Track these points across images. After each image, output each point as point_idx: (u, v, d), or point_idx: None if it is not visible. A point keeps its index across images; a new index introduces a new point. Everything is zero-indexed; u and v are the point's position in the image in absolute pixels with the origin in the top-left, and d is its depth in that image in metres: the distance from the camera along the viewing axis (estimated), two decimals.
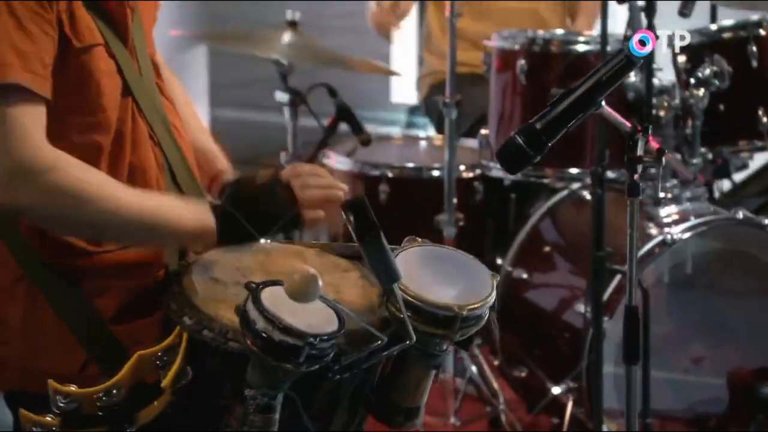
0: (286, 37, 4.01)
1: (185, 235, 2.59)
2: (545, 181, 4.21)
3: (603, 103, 2.44)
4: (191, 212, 2.57)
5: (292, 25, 3.95)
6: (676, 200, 3.91)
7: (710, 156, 4.05)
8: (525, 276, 4.05)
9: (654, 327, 3.92)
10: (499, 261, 4.11)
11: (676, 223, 3.83)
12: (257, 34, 4.35)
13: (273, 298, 2.19)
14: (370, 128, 4.72)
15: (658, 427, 3.99)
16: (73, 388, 2.34)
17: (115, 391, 2.37)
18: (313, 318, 2.23)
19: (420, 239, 2.58)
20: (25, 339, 2.59)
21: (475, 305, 2.36)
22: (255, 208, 2.61)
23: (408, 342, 2.31)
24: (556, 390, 3.83)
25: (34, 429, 2.36)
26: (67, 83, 2.50)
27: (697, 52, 3.98)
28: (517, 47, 4.03)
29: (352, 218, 2.25)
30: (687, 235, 3.82)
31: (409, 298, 2.33)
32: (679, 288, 4.03)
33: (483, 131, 4.10)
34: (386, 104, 6.56)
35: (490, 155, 4.02)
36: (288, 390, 2.29)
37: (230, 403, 2.32)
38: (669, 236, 3.78)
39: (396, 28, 4.92)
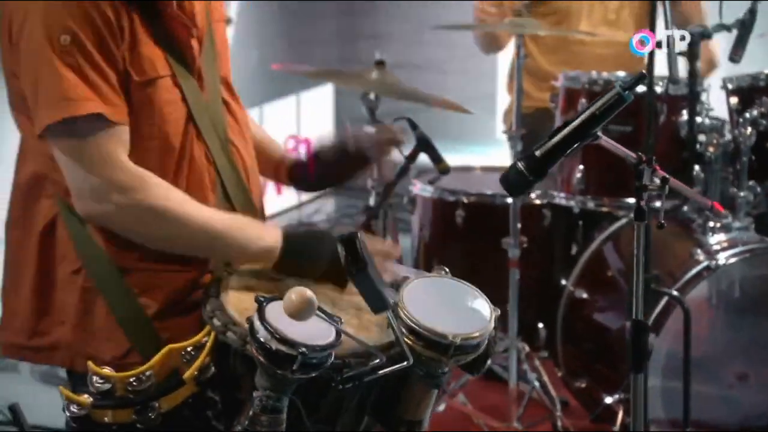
0: (375, 74, 4.19)
1: (251, 256, 2.76)
2: (606, 209, 4.35)
3: (600, 134, 2.56)
4: (260, 237, 2.76)
5: (380, 64, 4.15)
6: (725, 229, 4.06)
7: (759, 189, 4.11)
8: (585, 296, 4.26)
9: (701, 345, 4.12)
10: (563, 281, 4.32)
11: (723, 249, 3.99)
12: (349, 71, 4.59)
13: (280, 311, 2.38)
14: (476, 160, 5.07)
15: None
16: (107, 370, 2.53)
17: (144, 378, 2.54)
18: (314, 332, 2.41)
19: (445, 270, 2.72)
20: (77, 324, 2.75)
21: (470, 335, 2.54)
22: (313, 250, 2.77)
23: (406, 363, 2.47)
24: (608, 400, 4.00)
25: (72, 407, 2.52)
26: (132, 111, 2.70)
27: (747, 94, 4.19)
28: (579, 87, 4.22)
29: (344, 252, 2.42)
30: (733, 260, 4.00)
31: (411, 323, 2.48)
32: (725, 310, 4.19)
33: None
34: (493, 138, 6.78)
35: (555, 185, 4.23)
36: (294, 395, 2.48)
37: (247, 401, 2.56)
38: (714, 262, 3.95)
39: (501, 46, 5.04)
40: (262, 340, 2.37)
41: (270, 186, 7.24)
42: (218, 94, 2.87)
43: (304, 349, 2.33)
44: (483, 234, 4.46)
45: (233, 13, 6.75)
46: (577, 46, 4.92)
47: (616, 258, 4.44)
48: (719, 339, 4.25)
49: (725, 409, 4.20)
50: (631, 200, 4.09)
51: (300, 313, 2.36)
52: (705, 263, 3.98)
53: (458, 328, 2.52)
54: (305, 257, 2.76)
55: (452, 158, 4.68)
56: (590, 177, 4.40)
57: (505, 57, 5.08)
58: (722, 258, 3.99)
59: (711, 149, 4.05)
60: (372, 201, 4.56)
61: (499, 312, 2.58)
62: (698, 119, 4.14)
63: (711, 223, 4.09)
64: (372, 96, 4.38)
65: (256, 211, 2.94)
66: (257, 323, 2.38)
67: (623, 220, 4.35)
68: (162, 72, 2.72)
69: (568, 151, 2.59)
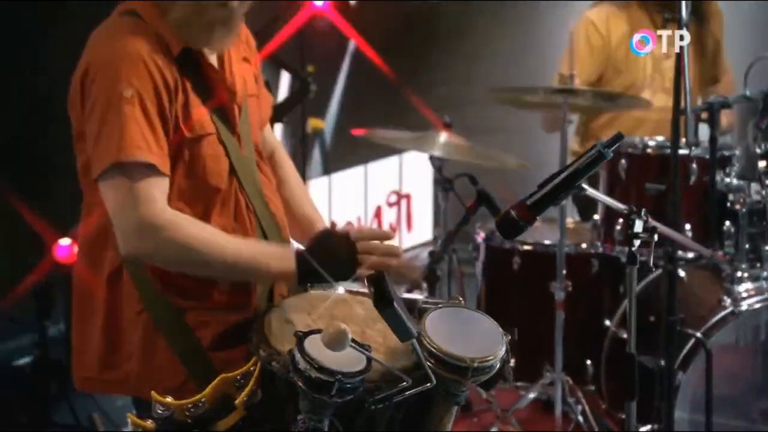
0: (442, 137, 4.54)
1: (273, 276, 2.98)
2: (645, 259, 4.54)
3: (585, 186, 2.84)
4: (278, 260, 2.94)
5: (447, 126, 4.50)
6: (752, 278, 4.26)
7: None
8: (626, 336, 4.49)
9: (727, 383, 4.33)
10: (607, 322, 4.53)
11: (749, 297, 4.21)
12: (419, 135, 4.81)
13: (318, 342, 2.56)
14: None
15: None
16: (169, 399, 2.71)
17: (200, 404, 2.72)
18: (347, 360, 2.57)
19: (460, 299, 2.95)
20: (142, 358, 2.96)
21: (485, 359, 2.69)
22: (326, 257, 2.92)
23: (429, 384, 2.63)
24: (642, 429, 4.17)
25: (138, 431, 2.74)
26: (182, 162, 2.94)
27: None
28: (620, 150, 4.34)
29: (372, 290, 2.59)
30: (757, 306, 4.20)
31: (433, 349, 2.66)
32: (750, 352, 4.38)
33: (595, 216, 4.55)
34: None
35: (598, 236, 4.45)
36: (333, 416, 2.65)
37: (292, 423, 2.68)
38: (739, 308, 4.16)
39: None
40: (302, 369, 2.54)
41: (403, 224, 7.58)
42: (253, 153, 3.11)
43: (340, 376, 2.51)
44: (536, 278, 4.68)
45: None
46: (633, 113, 5.06)
47: (653, 302, 4.47)
48: (744, 378, 4.42)
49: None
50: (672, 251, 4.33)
51: (336, 344, 2.53)
52: (730, 309, 4.17)
53: (474, 352, 2.68)
54: (321, 264, 2.90)
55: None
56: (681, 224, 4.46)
57: None
58: (746, 305, 4.18)
59: (738, 206, 4.24)
60: (437, 247, 4.86)
61: (509, 337, 2.77)
62: (727, 179, 4.27)
63: (739, 273, 4.24)
64: (439, 157, 4.68)
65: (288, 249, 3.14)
66: (297, 355, 2.55)
67: (660, 270, 4.36)
68: (208, 130, 2.95)
69: (555, 202, 2.83)
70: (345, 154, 7.31)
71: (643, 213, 3.02)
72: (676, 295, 4.26)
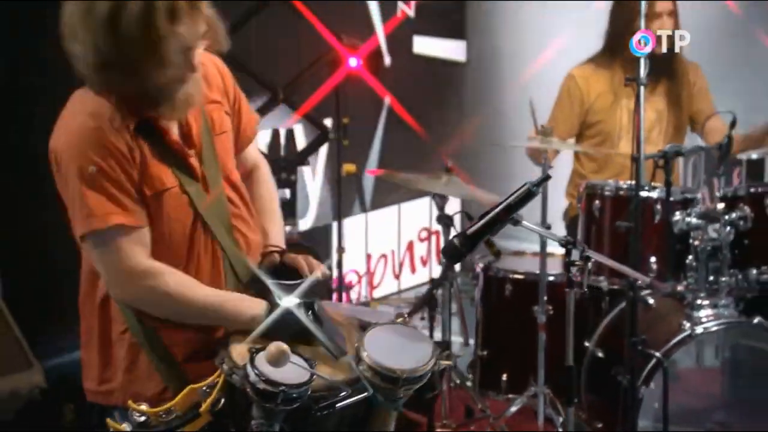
0: (444, 178, 4.77)
1: (241, 324, 3.00)
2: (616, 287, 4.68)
3: (522, 220, 3.07)
4: (247, 308, 3.03)
5: (448, 170, 4.75)
6: (712, 306, 4.44)
7: (739, 275, 4.47)
8: (601, 355, 4.65)
9: (686, 396, 4.54)
10: (586, 343, 4.71)
11: (706, 321, 4.39)
12: (423, 177, 5.01)
13: (278, 353, 2.71)
14: (528, 247, 5.48)
15: None
16: (144, 407, 2.86)
17: (171, 411, 2.87)
18: (295, 374, 2.75)
19: (404, 318, 3.12)
20: (126, 370, 3.08)
21: (414, 371, 2.89)
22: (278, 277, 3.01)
23: (367, 393, 2.84)
24: None
25: None
26: (149, 217, 3.00)
27: (731, 201, 4.52)
28: (594, 192, 4.66)
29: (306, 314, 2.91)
30: (713, 329, 4.39)
31: (368, 363, 2.84)
32: (706, 369, 4.63)
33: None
34: None
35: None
36: (284, 422, 2.81)
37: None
38: (695, 331, 4.34)
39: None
40: (252, 381, 2.72)
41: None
42: (221, 192, 3.17)
43: (284, 388, 2.71)
44: (525, 303, 4.81)
45: None
46: (618, 159, 5.23)
47: (624, 326, 4.54)
48: (702, 392, 4.64)
49: None
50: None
51: (276, 362, 2.72)
52: (689, 332, 4.36)
53: (405, 364, 2.89)
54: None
55: (508, 244, 5.29)
56: (645, 258, 4.62)
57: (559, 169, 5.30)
58: (702, 328, 4.36)
59: (697, 242, 4.43)
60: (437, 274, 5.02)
61: (439, 350, 2.95)
62: (688, 219, 4.44)
63: (699, 301, 4.45)
64: (441, 195, 4.89)
65: (257, 278, 3.17)
66: (249, 368, 2.73)
67: (641, 297, 4.58)
68: (169, 184, 3.04)
69: (491, 232, 3.08)
70: (381, 195, 7.54)
71: (577, 244, 3.30)
72: (643, 319, 4.48)
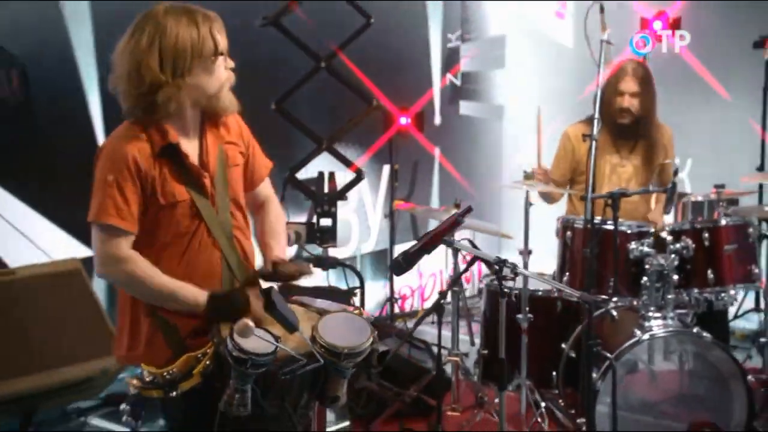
0: (453, 211, 5.12)
1: (189, 307, 3.19)
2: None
3: (456, 241, 3.54)
4: (193, 296, 3.19)
5: (457, 205, 5.24)
6: (662, 318, 4.77)
7: (684, 294, 4.88)
8: (573, 355, 4.99)
9: (638, 389, 4.82)
10: (563, 345, 5.07)
11: (656, 329, 4.74)
12: (438, 209, 5.54)
13: (247, 329, 2.94)
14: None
15: None
16: (153, 368, 3.15)
17: (173, 372, 3.13)
18: (262, 346, 2.95)
19: (355, 306, 3.40)
20: (147, 344, 3.28)
21: (353, 348, 3.14)
22: (224, 307, 3.19)
23: (319, 363, 3.07)
24: (579, 420, 4.80)
25: (131, 387, 3.17)
26: (156, 218, 3.22)
27: (677, 234, 4.93)
28: (566, 224, 5.07)
29: (263, 299, 3.06)
30: (659, 336, 4.74)
31: (320, 340, 3.10)
32: (652, 368, 4.88)
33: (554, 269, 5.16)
34: None
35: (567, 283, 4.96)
36: (255, 383, 3.02)
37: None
38: (642, 337, 4.70)
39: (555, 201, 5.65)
40: (230, 350, 2.95)
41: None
42: (227, 209, 3.36)
43: (252, 356, 2.94)
44: (517, 313, 5.15)
45: None
46: (600, 200, 5.10)
47: (601, 331, 4.93)
48: (649, 387, 4.92)
49: (657, 427, 4.86)
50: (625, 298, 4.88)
51: (242, 333, 2.96)
52: (637, 338, 4.72)
53: (347, 343, 3.15)
54: (221, 310, 3.20)
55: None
56: (606, 278, 4.97)
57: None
58: (648, 335, 4.72)
59: (647, 266, 4.77)
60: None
61: (376, 332, 3.19)
62: (641, 248, 4.81)
63: (650, 313, 4.77)
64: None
65: (248, 273, 3.39)
66: (228, 341, 2.96)
67: (602, 309, 5.02)
68: (180, 198, 3.25)
69: (427, 252, 3.55)
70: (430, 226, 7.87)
71: (507, 263, 3.64)
72: (609, 328, 4.96)
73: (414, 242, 3.79)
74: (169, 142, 3.24)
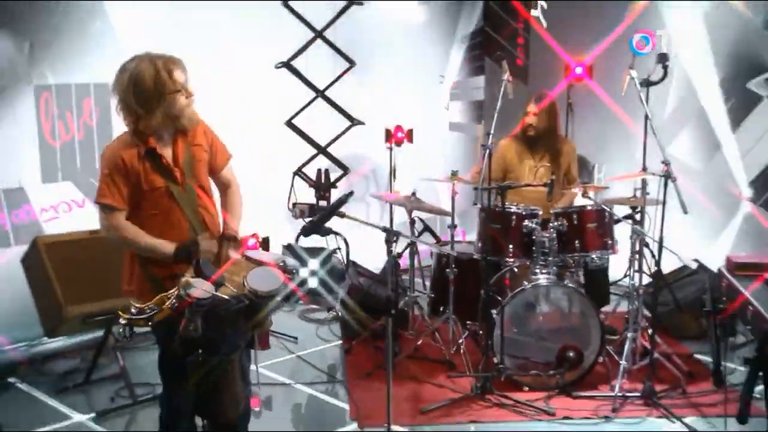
0: (412, 198, 6.06)
1: (165, 255, 3.62)
2: (507, 260, 5.81)
3: (346, 215, 3.87)
4: (165, 249, 3.61)
5: (413, 194, 6.02)
6: (548, 273, 5.57)
7: (559, 258, 5.60)
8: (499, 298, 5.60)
9: (526, 323, 5.61)
10: (482, 291, 5.62)
11: (538, 282, 5.56)
12: (399, 196, 6.21)
13: (197, 281, 3.32)
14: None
15: (520, 364, 5.54)
16: (139, 303, 3.37)
17: (152, 306, 3.38)
18: (204, 292, 3.33)
19: (284, 261, 3.62)
20: (138, 283, 3.68)
21: (268, 292, 3.48)
22: (184, 255, 3.61)
23: (246, 303, 3.45)
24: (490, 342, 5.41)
25: (120, 319, 3.35)
26: (143, 198, 3.62)
27: (556, 215, 5.69)
28: (481, 208, 5.77)
29: (195, 264, 3.44)
30: (542, 284, 5.55)
31: (246, 286, 3.46)
32: (533, 309, 5.69)
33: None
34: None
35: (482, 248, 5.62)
36: (202, 318, 3.35)
37: None
38: (526, 287, 5.52)
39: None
40: (182, 295, 3.33)
41: None
42: (193, 191, 3.73)
43: (195, 299, 3.32)
44: (456, 269, 6.07)
45: None
46: (521, 192, 6.17)
47: (503, 282, 5.91)
48: (532, 321, 5.71)
49: (537, 351, 5.65)
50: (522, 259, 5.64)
51: (185, 287, 3.34)
52: (523, 287, 5.55)
53: (264, 288, 3.50)
54: (183, 257, 3.61)
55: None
56: (506, 245, 5.75)
57: None
58: (531, 285, 5.54)
59: (534, 237, 5.62)
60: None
61: (284, 284, 3.49)
62: (531, 225, 5.58)
63: (537, 270, 5.56)
64: (409, 209, 6.24)
65: (212, 236, 3.79)
66: (181, 289, 3.33)
67: (508, 268, 5.91)
68: (158, 185, 3.64)
69: (324, 221, 3.92)
70: None
71: (392, 230, 4.21)
72: (512, 279, 5.78)
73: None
74: (149, 147, 3.72)
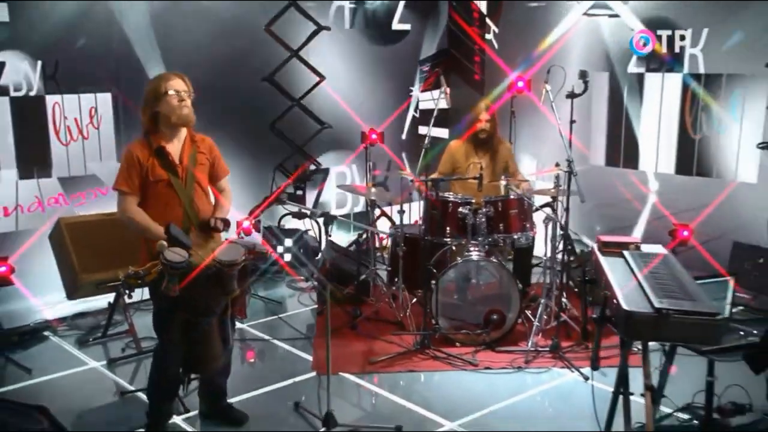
0: (373, 189, 6.66)
1: (159, 236, 3.84)
2: (449, 241, 6.26)
3: (287, 202, 4.70)
4: (158, 231, 3.86)
5: (378, 185, 6.78)
6: (479, 250, 6.01)
7: (489, 238, 6.03)
8: (435, 271, 6.07)
9: (459, 291, 6.09)
10: (428, 266, 5.97)
11: (469, 258, 6.02)
12: (361, 188, 6.82)
13: (174, 252, 3.68)
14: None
15: (454, 324, 5.99)
16: (135, 268, 3.75)
17: (145, 270, 3.76)
18: (182, 257, 3.67)
19: (253, 246, 4.02)
20: (143, 253, 4.01)
21: (230, 261, 3.84)
22: (173, 238, 3.77)
23: (214, 269, 3.79)
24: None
25: (122, 280, 3.73)
26: (149, 188, 3.96)
27: (486, 203, 6.16)
28: (428, 198, 6.24)
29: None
30: (473, 259, 6.01)
31: (215, 256, 3.82)
32: (465, 279, 6.13)
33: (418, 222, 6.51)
34: None
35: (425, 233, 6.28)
36: (179, 277, 3.71)
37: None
38: (458, 261, 5.98)
39: None
40: (162, 261, 3.72)
41: None
42: (192, 185, 4.01)
43: (169, 263, 3.66)
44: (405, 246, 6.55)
45: None
46: (471, 183, 6.41)
47: (444, 258, 6.31)
48: (465, 289, 6.17)
49: (468, 313, 6.12)
50: (458, 239, 6.06)
51: (160, 248, 3.66)
52: (457, 262, 6.01)
53: (226, 258, 3.92)
54: (173, 239, 3.79)
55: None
56: (445, 227, 6.18)
57: None
58: (463, 260, 5.99)
59: (468, 220, 6.05)
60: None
61: (244, 257, 3.78)
62: (465, 211, 6.01)
63: (470, 249, 5.97)
64: (372, 197, 6.85)
65: (200, 221, 4.07)
66: (161, 256, 3.71)
67: (448, 246, 6.30)
68: (161, 178, 3.96)
69: (270, 206, 4.70)
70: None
71: (323, 213, 4.75)
72: (451, 255, 6.19)
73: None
74: (158, 146, 4.11)
